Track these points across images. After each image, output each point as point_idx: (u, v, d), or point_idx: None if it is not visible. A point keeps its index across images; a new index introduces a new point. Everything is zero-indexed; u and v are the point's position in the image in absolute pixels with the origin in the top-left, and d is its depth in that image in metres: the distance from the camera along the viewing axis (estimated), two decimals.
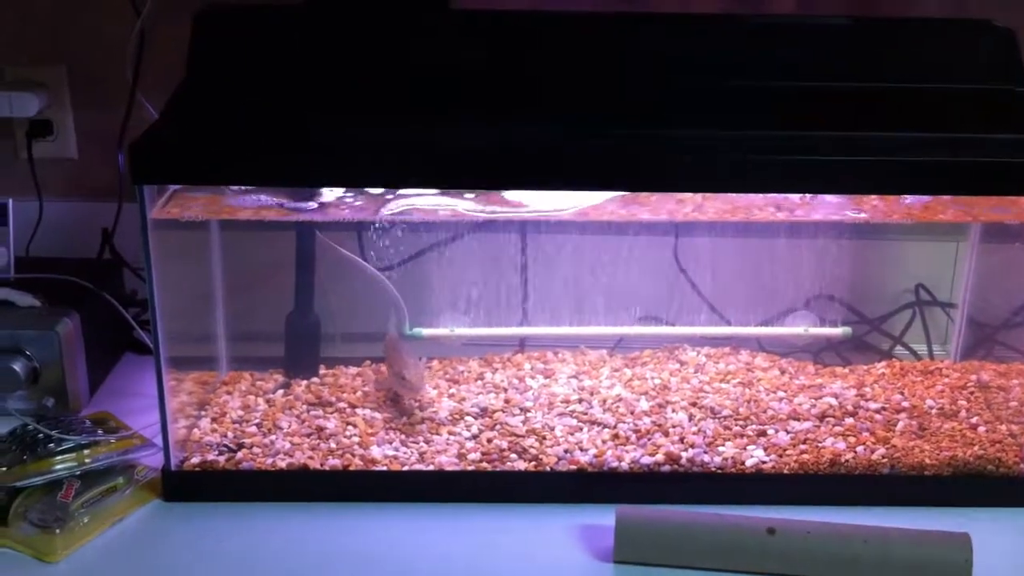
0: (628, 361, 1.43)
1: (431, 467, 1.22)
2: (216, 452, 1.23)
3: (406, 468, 1.22)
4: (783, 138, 1.12)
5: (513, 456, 1.24)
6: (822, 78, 1.20)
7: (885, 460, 1.23)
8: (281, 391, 1.35)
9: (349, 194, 1.25)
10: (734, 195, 1.24)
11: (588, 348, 1.45)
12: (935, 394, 1.36)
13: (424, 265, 1.41)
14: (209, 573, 1.11)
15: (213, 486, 1.21)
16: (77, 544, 1.13)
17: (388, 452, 1.24)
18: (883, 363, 1.44)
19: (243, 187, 1.21)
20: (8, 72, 1.51)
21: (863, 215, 1.27)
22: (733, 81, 1.19)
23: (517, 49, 1.23)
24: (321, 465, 1.22)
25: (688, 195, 1.25)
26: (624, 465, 1.23)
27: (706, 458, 1.23)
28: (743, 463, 1.23)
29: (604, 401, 1.33)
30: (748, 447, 1.25)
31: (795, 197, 1.25)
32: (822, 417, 1.30)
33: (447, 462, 1.23)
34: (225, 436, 1.26)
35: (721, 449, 1.24)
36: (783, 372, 1.41)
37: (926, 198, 1.23)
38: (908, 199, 1.24)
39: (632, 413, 1.30)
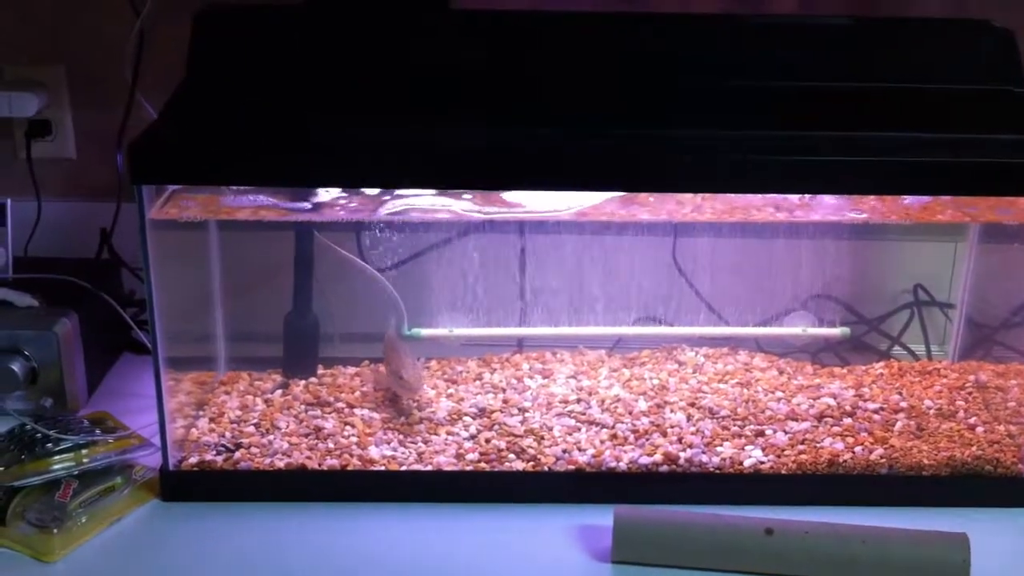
0: (626, 361, 1.43)
1: (429, 467, 1.22)
2: (214, 452, 1.23)
3: (404, 468, 1.22)
4: (783, 138, 1.12)
5: (511, 456, 1.24)
6: (822, 78, 1.20)
7: (883, 460, 1.23)
8: (279, 391, 1.35)
9: (343, 195, 1.24)
10: (733, 195, 1.23)
11: (586, 348, 1.45)
12: (933, 394, 1.36)
13: (423, 265, 1.41)
14: (207, 573, 1.10)
15: (211, 486, 1.21)
16: (75, 544, 1.13)
17: (386, 452, 1.24)
18: (881, 363, 1.44)
19: (239, 187, 1.21)
20: (7, 72, 1.51)
21: (862, 215, 1.27)
22: (733, 81, 1.19)
23: (517, 49, 1.23)
24: (319, 465, 1.22)
25: (687, 196, 1.25)
26: (622, 465, 1.23)
27: (704, 458, 1.23)
28: (741, 463, 1.23)
29: (602, 401, 1.33)
30: (746, 447, 1.25)
31: (794, 197, 1.25)
32: (820, 417, 1.30)
33: (445, 462, 1.23)
34: (223, 436, 1.26)
35: (719, 449, 1.24)
36: (781, 372, 1.41)
37: (925, 198, 1.23)
38: (907, 199, 1.24)
39: (630, 413, 1.30)
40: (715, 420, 1.29)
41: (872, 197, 1.24)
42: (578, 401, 1.33)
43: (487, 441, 1.26)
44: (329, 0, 1.24)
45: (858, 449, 1.24)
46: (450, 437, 1.27)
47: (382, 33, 1.22)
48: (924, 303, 1.51)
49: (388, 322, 1.41)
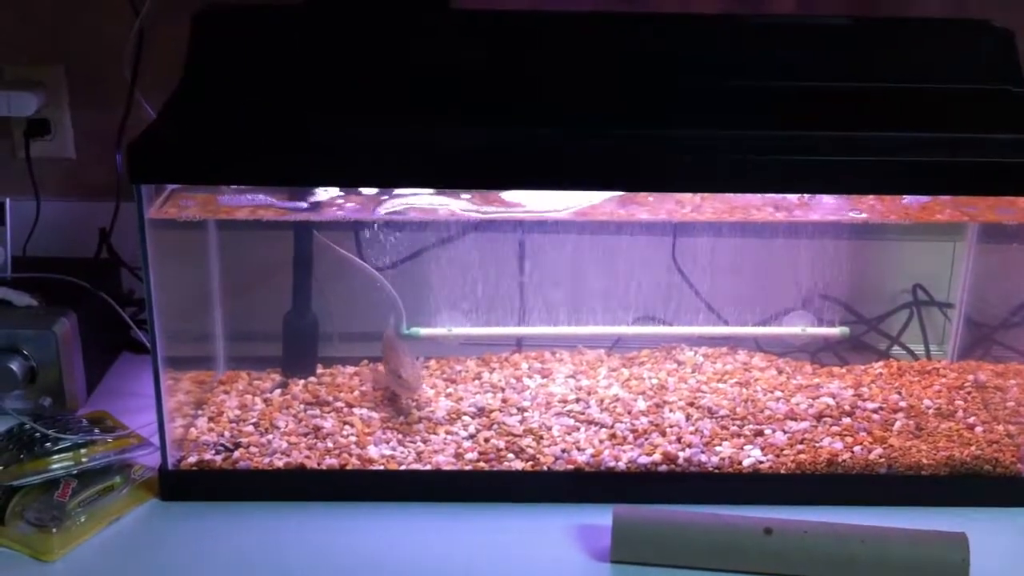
0: (625, 361, 1.43)
1: (428, 467, 1.22)
2: (213, 451, 1.23)
3: (403, 468, 1.22)
4: (783, 138, 1.12)
5: (510, 456, 1.24)
6: (822, 78, 1.20)
7: (882, 460, 1.23)
8: (278, 390, 1.35)
9: (340, 194, 1.24)
10: (733, 195, 1.23)
11: (585, 348, 1.45)
12: (932, 394, 1.36)
13: (422, 264, 1.41)
14: (206, 572, 1.10)
15: (210, 485, 1.21)
16: (74, 543, 1.13)
17: (385, 451, 1.24)
18: (880, 363, 1.44)
19: (236, 186, 1.21)
20: (7, 71, 1.51)
21: (861, 215, 1.27)
22: (733, 81, 1.19)
23: (517, 49, 1.23)
24: (318, 464, 1.22)
25: (687, 195, 1.25)
26: (621, 465, 1.23)
27: (703, 458, 1.23)
28: (740, 463, 1.23)
29: (601, 401, 1.33)
30: (745, 447, 1.25)
31: (793, 197, 1.25)
32: (819, 417, 1.30)
33: (444, 462, 1.23)
34: (222, 435, 1.26)
35: (718, 449, 1.24)
36: (780, 372, 1.41)
37: (924, 198, 1.23)
38: (906, 199, 1.24)
39: (629, 413, 1.30)
40: (714, 420, 1.29)
41: (871, 197, 1.24)
42: (577, 401, 1.33)
43: (486, 440, 1.26)
44: (329, 0, 1.24)
45: (857, 449, 1.25)
46: (449, 436, 1.27)
47: (382, 33, 1.22)
48: (923, 303, 1.51)
49: (387, 321, 1.41)
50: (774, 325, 1.45)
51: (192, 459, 1.22)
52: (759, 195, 1.24)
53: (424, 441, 1.26)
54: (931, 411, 1.32)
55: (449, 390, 1.35)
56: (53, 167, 1.56)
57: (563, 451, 1.24)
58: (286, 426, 1.28)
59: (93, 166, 1.54)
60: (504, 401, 1.33)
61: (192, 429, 1.26)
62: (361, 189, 1.24)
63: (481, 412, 1.31)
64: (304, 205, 1.25)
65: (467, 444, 1.25)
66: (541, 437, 1.26)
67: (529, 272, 1.41)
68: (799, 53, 1.23)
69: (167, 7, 1.38)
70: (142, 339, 1.43)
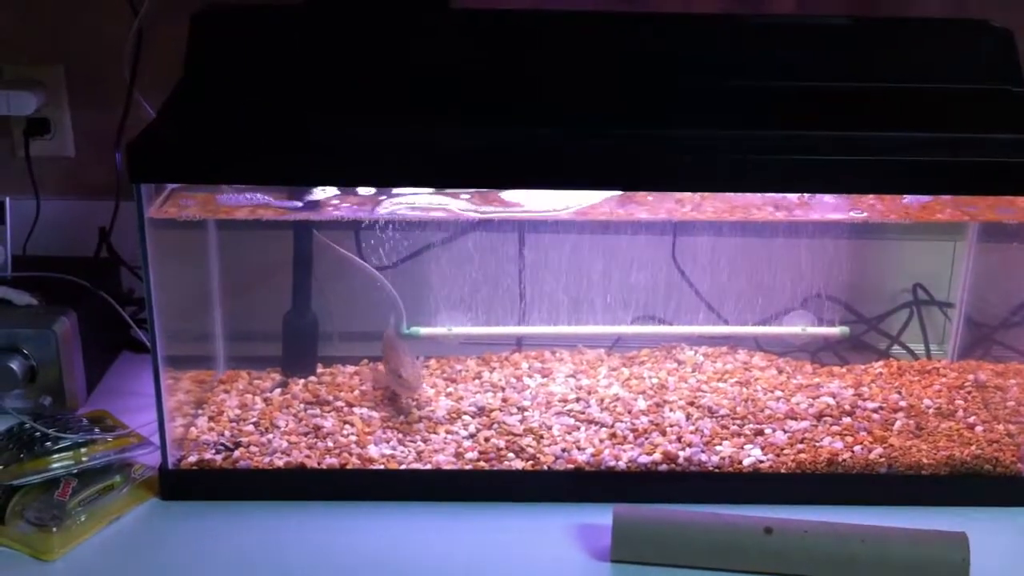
0: (626, 360, 1.43)
1: (428, 466, 1.22)
2: (213, 451, 1.23)
3: (403, 467, 1.22)
4: (783, 138, 1.12)
5: (510, 455, 1.24)
6: (821, 78, 1.20)
7: (882, 459, 1.23)
8: (278, 390, 1.35)
9: (337, 194, 1.24)
10: (733, 195, 1.23)
11: (586, 347, 1.45)
12: (932, 394, 1.36)
13: (422, 264, 1.41)
14: (206, 572, 1.10)
15: (210, 485, 1.21)
16: (74, 543, 1.13)
17: (385, 451, 1.24)
18: (881, 363, 1.44)
19: (232, 185, 1.21)
20: (6, 71, 1.51)
21: (861, 215, 1.27)
22: (733, 81, 1.19)
23: (517, 49, 1.23)
24: (318, 464, 1.22)
25: (687, 195, 1.25)
26: (621, 464, 1.23)
27: (703, 457, 1.23)
28: (740, 462, 1.23)
29: (602, 400, 1.33)
30: (745, 446, 1.25)
31: (793, 197, 1.25)
32: (819, 416, 1.30)
33: (444, 461, 1.23)
34: (222, 435, 1.26)
35: (718, 448, 1.24)
36: (781, 371, 1.41)
37: (924, 198, 1.23)
38: (906, 199, 1.24)
39: (630, 412, 1.30)
40: (714, 419, 1.29)
41: (871, 196, 1.24)
42: (577, 400, 1.33)
43: (486, 440, 1.26)
44: (328, 0, 1.24)
45: (857, 448, 1.25)
46: (449, 436, 1.27)
47: (382, 32, 1.22)
48: (923, 302, 1.51)
49: (387, 321, 1.41)
50: (774, 324, 1.45)
51: (192, 458, 1.22)
52: (759, 195, 1.24)
53: (424, 440, 1.26)
54: (931, 411, 1.32)
55: (449, 389, 1.35)
56: (53, 166, 1.56)
57: (563, 450, 1.24)
58: (286, 425, 1.28)
59: (93, 165, 1.54)
60: (504, 400, 1.33)
61: (192, 428, 1.26)
62: (359, 189, 1.24)
63: (481, 411, 1.31)
64: (300, 204, 1.24)
65: (467, 443, 1.25)
66: (541, 436, 1.26)
67: (529, 272, 1.41)
68: (799, 53, 1.23)
69: (166, 7, 1.38)
70: (142, 338, 1.43)
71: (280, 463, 1.22)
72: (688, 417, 1.30)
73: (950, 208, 1.28)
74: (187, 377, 1.29)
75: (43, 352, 1.31)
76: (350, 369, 1.40)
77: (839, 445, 1.25)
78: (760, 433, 1.27)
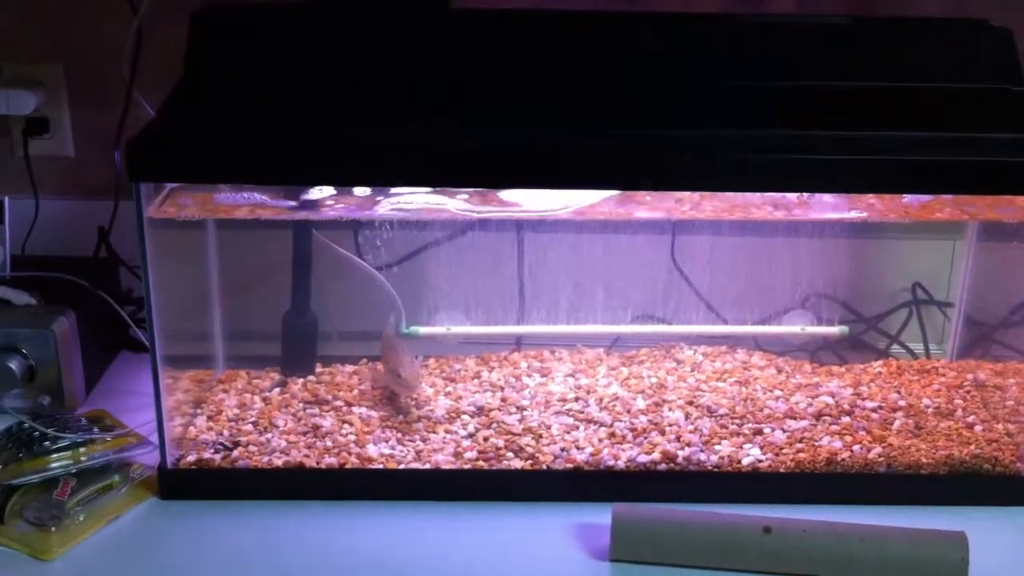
0: (625, 360, 1.43)
1: (427, 465, 1.22)
2: (212, 450, 1.23)
3: (402, 466, 1.22)
4: (782, 137, 1.13)
5: (509, 454, 1.24)
6: (821, 77, 1.20)
7: (881, 459, 1.23)
8: (277, 389, 1.35)
9: (334, 193, 1.24)
10: (732, 194, 1.23)
11: (585, 347, 1.45)
12: (932, 393, 1.36)
13: (421, 263, 1.41)
14: (205, 571, 1.10)
15: (209, 484, 1.21)
16: (73, 542, 1.13)
17: (384, 450, 1.24)
18: (880, 362, 1.44)
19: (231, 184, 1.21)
20: (6, 70, 1.51)
21: (861, 214, 1.27)
22: (733, 80, 1.19)
23: (517, 48, 1.23)
24: (317, 463, 1.22)
25: (686, 194, 1.25)
26: (620, 463, 1.23)
27: (702, 457, 1.23)
28: (739, 462, 1.23)
29: (601, 400, 1.33)
30: (744, 446, 1.25)
31: (793, 196, 1.25)
32: (818, 416, 1.30)
33: (443, 460, 1.23)
34: (221, 434, 1.26)
35: (717, 448, 1.24)
36: (780, 371, 1.41)
37: (924, 197, 1.23)
38: (905, 198, 1.24)
39: (629, 412, 1.30)
40: (713, 418, 1.29)
41: (871, 195, 1.24)
42: (576, 399, 1.33)
43: (485, 439, 1.26)
44: None
45: (856, 448, 1.25)
46: (448, 435, 1.27)
47: (382, 32, 1.22)
48: (923, 302, 1.51)
49: (386, 320, 1.41)
50: (773, 324, 1.45)
51: (191, 458, 1.22)
52: (759, 194, 1.23)
53: (423, 440, 1.26)
54: (930, 410, 1.32)
55: (448, 389, 1.35)
56: (52, 166, 1.55)
57: (562, 450, 1.24)
58: (285, 425, 1.28)
59: (92, 165, 1.54)
60: (503, 400, 1.33)
61: (191, 428, 1.26)
62: (355, 189, 1.24)
63: (480, 411, 1.31)
64: (298, 204, 1.24)
65: (466, 443, 1.25)
66: (540, 436, 1.26)
67: (528, 271, 1.41)
68: (799, 52, 1.23)
69: (166, 6, 1.38)
70: (141, 338, 1.43)
71: (279, 462, 1.22)
72: (687, 416, 1.29)
73: (949, 207, 1.28)
74: (186, 377, 1.29)
75: (42, 352, 1.31)
76: (349, 368, 1.40)
77: (838, 444, 1.25)
78: (759, 432, 1.27)
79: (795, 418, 1.30)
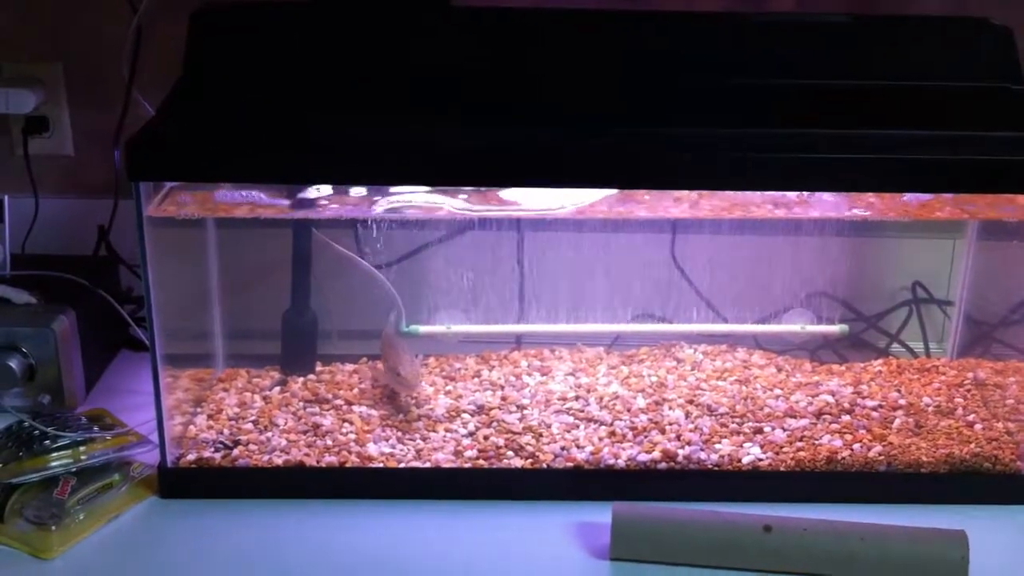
0: (625, 358, 1.43)
1: (427, 464, 1.22)
2: (212, 449, 1.23)
3: (402, 465, 1.22)
4: (783, 136, 1.12)
5: (510, 453, 1.24)
6: (821, 76, 1.20)
7: (882, 457, 1.23)
8: (277, 388, 1.35)
9: (330, 193, 1.24)
10: (732, 192, 1.23)
11: (585, 346, 1.45)
12: (932, 392, 1.36)
13: (421, 262, 1.41)
14: (205, 570, 1.10)
15: (209, 483, 1.21)
16: (73, 541, 1.13)
17: (384, 449, 1.24)
18: (880, 361, 1.44)
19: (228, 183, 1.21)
20: (5, 69, 1.51)
21: (861, 212, 1.27)
22: (733, 79, 1.20)
23: (518, 47, 1.23)
24: (317, 462, 1.22)
25: (685, 192, 1.25)
26: (620, 462, 1.23)
27: (703, 455, 1.23)
28: (739, 460, 1.23)
29: (601, 398, 1.33)
30: (744, 444, 1.25)
31: (793, 194, 1.25)
32: (819, 414, 1.30)
33: (443, 459, 1.23)
34: (221, 433, 1.26)
35: (718, 446, 1.24)
36: (780, 369, 1.41)
37: (924, 195, 1.23)
38: (905, 196, 1.24)
39: (629, 410, 1.30)
40: (713, 417, 1.29)
41: (871, 194, 1.24)
42: (576, 398, 1.33)
43: (485, 438, 1.26)
44: None
45: (856, 446, 1.25)
46: (448, 434, 1.26)
47: (382, 31, 1.22)
48: (923, 300, 1.51)
49: (386, 319, 1.41)
50: (773, 323, 1.45)
51: (191, 457, 1.22)
52: (759, 192, 1.23)
53: (423, 439, 1.26)
54: (930, 409, 1.32)
55: (448, 388, 1.35)
56: (52, 164, 1.55)
57: (562, 449, 1.24)
58: (285, 424, 1.28)
59: (92, 164, 1.54)
60: (503, 399, 1.33)
61: (191, 427, 1.26)
62: (351, 189, 1.24)
63: (480, 410, 1.31)
64: (292, 202, 1.24)
65: (466, 442, 1.25)
66: (540, 435, 1.26)
67: (528, 270, 1.41)
68: (799, 51, 1.23)
69: (165, 5, 1.38)
70: (141, 337, 1.43)
71: (279, 461, 1.22)
72: (687, 415, 1.29)
73: (949, 206, 1.28)
74: (186, 375, 1.29)
75: (42, 350, 1.31)
76: (349, 367, 1.40)
77: (838, 443, 1.25)
78: (759, 431, 1.27)
79: (795, 417, 1.30)
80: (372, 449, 1.23)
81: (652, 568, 1.10)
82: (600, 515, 1.13)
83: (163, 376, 1.18)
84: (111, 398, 1.37)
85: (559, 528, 1.16)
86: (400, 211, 1.26)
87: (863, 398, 1.33)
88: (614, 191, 1.22)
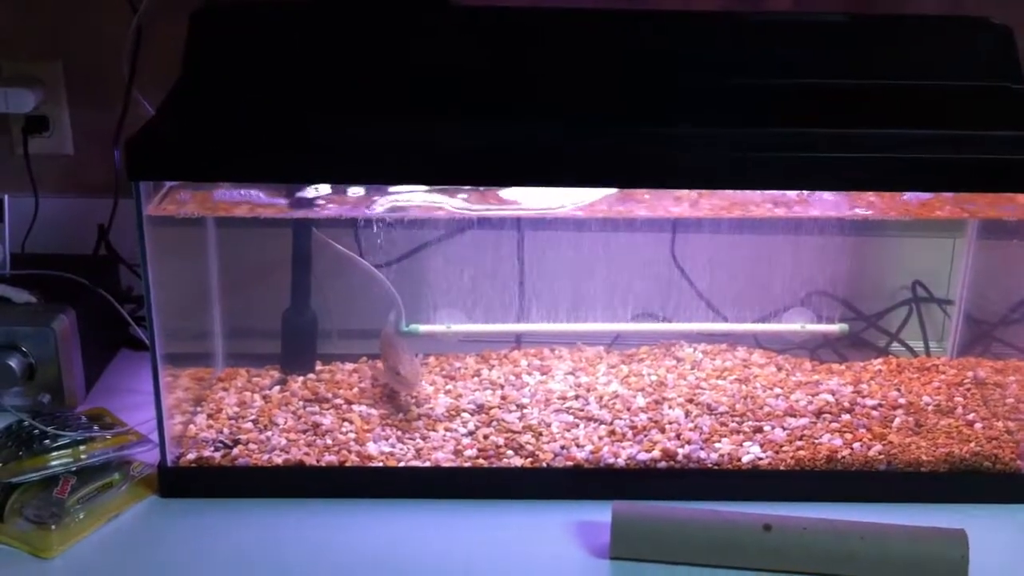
0: (625, 358, 1.43)
1: (427, 463, 1.22)
2: (212, 448, 1.23)
3: (402, 464, 1.22)
4: (782, 135, 1.13)
5: (509, 452, 1.24)
6: (821, 75, 1.21)
7: (881, 456, 1.23)
8: (277, 387, 1.35)
9: (327, 192, 1.24)
10: (732, 192, 1.23)
11: (585, 345, 1.45)
12: (932, 391, 1.36)
13: (421, 261, 1.41)
14: (205, 569, 1.10)
15: (209, 482, 1.21)
16: (73, 540, 1.13)
17: (384, 448, 1.24)
18: (880, 360, 1.44)
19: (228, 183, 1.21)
20: (5, 68, 1.51)
21: (861, 212, 1.27)
22: (733, 78, 1.20)
23: (517, 47, 1.23)
24: (317, 461, 1.22)
25: (685, 191, 1.25)
26: (620, 461, 1.23)
27: (702, 454, 1.23)
28: (739, 459, 1.23)
29: (601, 398, 1.33)
30: (744, 443, 1.25)
31: (792, 194, 1.25)
32: (819, 413, 1.30)
33: (443, 458, 1.23)
34: (221, 432, 1.26)
35: (717, 445, 1.24)
36: (780, 369, 1.41)
37: (924, 194, 1.23)
38: (905, 195, 1.24)
39: (628, 409, 1.30)
40: (713, 416, 1.29)
41: (871, 193, 1.24)
42: (576, 397, 1.33)
43: (485, 437, 1.26)
44: None
45: (856, 445, 1.25)
46: (448, 433, 1.26)
47: (381, 30, 1.22)
48: (923, 299, 1.51)
49: (386, 318, 1.41)
50: (773, 322, 1.45)
51: (191, 456, 1.22)
52: (759, 191, 1.23)
53: (423, 438, 1.26)
54: (930, 408, 1.32)
55: (448, 387, 1.35)
56: (51, 164, 1.55)
57: (562, 448, 1.24)
58: (285, 423, 1.28)
59: (91, 163, 1.54)
60: (503, 398, 1.33)
61: (191, 426, 1.26)
62: (350, 188, 1.24)
63: (480, 409, 1.31)
64: (290, 201, 1.24)
65: (466, 441, 1.25)
66: (540, 434, 1.26)
67: (528, 269, 1.41)
68: (798, 51, 1.23)
69: (165, 5, 1.37)
70: (141, 336, 1.43)
71: (279, 460, 1.22)
72: (687, 414, 1.29)
73: (949, 205, 1.28)
74: (186, 375, 1.29)
75: (42, 350, 1.31)
76: (349, 366, 1.40)
77: (838, 442, 1.25)
78: (759, 430, 1.27)
79: (795, 416, 1.30)
80: (372, 448, 1.23)
81: (652, 567, 1.10)
82: (600, 514, 1.13)
83: (163, 375, 1.18)
84: (111, 397, 1.37)
85: (559, 527, 1.16)
86: (400, 210, 1.26)
87: (863, 397, 1.33)
88: (614, 190, 1.22)
